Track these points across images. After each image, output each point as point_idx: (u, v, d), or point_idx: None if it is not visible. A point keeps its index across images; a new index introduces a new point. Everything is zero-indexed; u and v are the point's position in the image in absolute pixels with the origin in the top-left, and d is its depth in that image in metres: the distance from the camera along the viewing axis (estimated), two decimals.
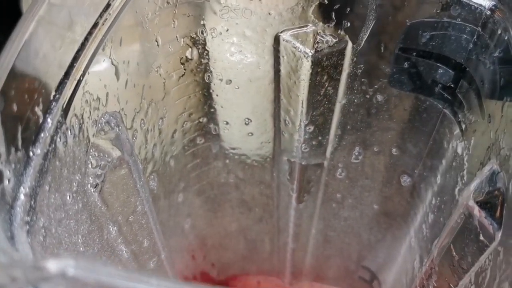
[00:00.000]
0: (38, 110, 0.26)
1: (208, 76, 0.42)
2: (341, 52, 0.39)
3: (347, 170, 0.47)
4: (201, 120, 0.45)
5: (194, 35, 0.39)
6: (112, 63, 0.33)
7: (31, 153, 0.25)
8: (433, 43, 0.37)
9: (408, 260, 0.47)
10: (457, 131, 0.38)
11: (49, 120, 0.26)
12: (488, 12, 0.34)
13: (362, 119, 0.43)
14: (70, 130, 0.28)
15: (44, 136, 0.26)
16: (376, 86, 0.40)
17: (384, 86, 0.40)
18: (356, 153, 0.45)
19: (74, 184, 0.29)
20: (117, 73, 0.33)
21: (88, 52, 0.30)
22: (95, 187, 0.31)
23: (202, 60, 0.41)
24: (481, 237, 0.30)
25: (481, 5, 0.34)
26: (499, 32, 0.33)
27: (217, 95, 0.43)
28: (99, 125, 0.32)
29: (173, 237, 0.47)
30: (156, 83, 0.39)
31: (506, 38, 0.33)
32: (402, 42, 0.38)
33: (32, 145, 0.25)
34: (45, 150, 0.26)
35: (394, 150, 0.44)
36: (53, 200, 0.26)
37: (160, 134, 0.41)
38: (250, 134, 0.45)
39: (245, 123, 0.45)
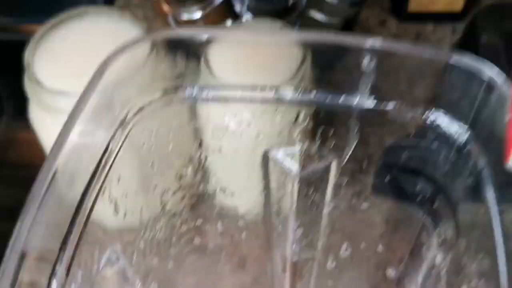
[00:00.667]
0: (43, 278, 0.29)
1: (203, 186, 0.44)
2: (327, 168, 0.41)
3: (337, 261, 0.50)
4: (197, 223, 0.47)
5: (189, 155, 0.42)
6: (110, 202, 0.35)
7: None
8: (412, 162, 0.39)
9: None
10: (435, 241, 0.40)
11: (54, 283, 0.29)
12: (463, 141, 0.36)
13: (348, 222, 0.45)
14: (74, 283, 0.31)
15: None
16: (360, 195, 0.43)
17: (368, 195, 0.43)
18: (345, 248, 0.48)
19: None
20: (116, 209, 0.36)
21: (89, 200, 0.33)
22: None
23: (197, 174, 0.43)
24: None
25: (456, 133, 0.37)
26: (471, 162, 0.36)
27: (213, 203, 0.46)
28: (101, 263, 0.34)
29: None
30: (153, 202, 0.41)
31: (478, 168, 0.35)
32: (383, 159, 0.40)
33: None
34: None
35: (379, 247, 0.46)
36: None
37: (159, 244, 0.43)
38: (245, 234, 0.48)
39: (240, 225, 0.47)
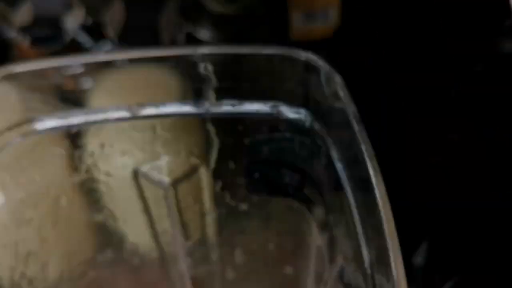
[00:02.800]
0: None
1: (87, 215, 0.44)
2: (197, 176, 0.43)
3: (235, 271, 0.50)
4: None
5: (62, 183, 0.42)
6: None
7: None
8: (273, 155, 0.41)
9: None
10: (315, 227, 0.42)
11: None
12: (308, 124, 0.39)
13: (234, 226, 0.46)
14: None
15: None
16: (237, 196, 0.44)
17: (245, 194, 0.44)
18: (239, 256, 0.48)
19: None
20: None
21: None
22: None
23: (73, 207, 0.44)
24: None
25: (301, 120, 0.39)
26: (319, 141, 0.38)
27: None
28: None
29: None
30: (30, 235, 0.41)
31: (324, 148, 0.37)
32: (247, 157, 0.42)
33: None
34: None
35: (270, 246, 0.47)
36: None
37: (47, 279, 0.43)
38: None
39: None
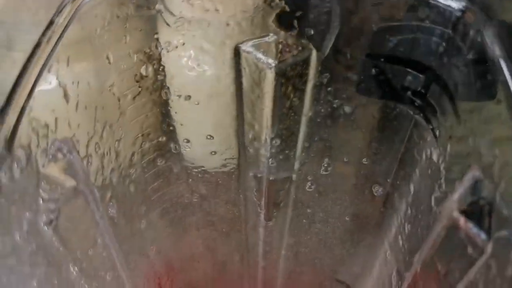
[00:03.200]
0: None
1: (166, 92, 0.39)
2: (306, 61, 0.37)
3: (317, 183, 0.45)
4: (160, 139, 0.42)
5: (148, 50, 0.37)
6: (59, 84, 0.30)
7: None
8: (401, 48, 0.35)
9: (384, 273, 0.45)
10: (430, 138, 0.36)
11: None
12: (459, 14, 0.32)
13: (330, 130, 0.41)
14: (17, 163, 0.25)
15: None
16: (343, 96, 0.39)
17: (352, 95, 0.38)
18: (325, 165, 0.43)
19: (25, 223, 0.26)
20: (66, 96, 0.31)
21: (31, 74, 0.27)
22: (49, 224, 0.28)
23: (158, 76, 0.38)
24: (469, 250, 0.28)
25: (450, 6, 0.33)
26: (471, 33, 0.32)
27: (176, 113, 0.40)
28: (49, 154, 0.28)
29: (138, 266, 0.44)
30: (110, 104, 0.36)
31: (479, 39, 0.31)
32: (368, 48, 0.36)
33: None
34: None
35: (364, 160, 0.42)
36: (3, 245, 0.23)
37: (117, 158, 0.38)
38: (213, 153, 0.43)
39: (207, 140, 0.42)
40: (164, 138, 0.42)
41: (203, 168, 0.44)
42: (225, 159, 0.44)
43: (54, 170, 0.29)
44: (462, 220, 0.29)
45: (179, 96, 0.39)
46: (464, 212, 0.29)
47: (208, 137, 0.42)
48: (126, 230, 0.41)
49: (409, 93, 0.37)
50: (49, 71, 0.29)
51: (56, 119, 0.30)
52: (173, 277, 0.53)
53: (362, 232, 0.48)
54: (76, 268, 0.31)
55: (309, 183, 0.45)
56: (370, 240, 0.48)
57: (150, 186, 0.44)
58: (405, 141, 0.39)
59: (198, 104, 0.39)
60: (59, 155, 0.29)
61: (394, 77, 0.37)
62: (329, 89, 0.39)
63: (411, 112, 0.38)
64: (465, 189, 0.30)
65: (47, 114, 0.29)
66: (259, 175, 0.44)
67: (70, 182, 0.30)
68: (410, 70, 0.36)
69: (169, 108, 0.40)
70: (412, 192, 0.39)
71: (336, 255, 0.52)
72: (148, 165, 0.42)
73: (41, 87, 0.28)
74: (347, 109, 0.39)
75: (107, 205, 0.37)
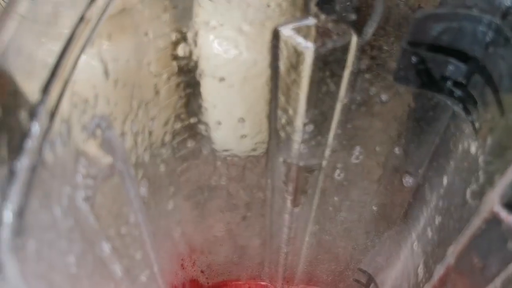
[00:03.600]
0: (23, 115, 0.23)
1: (200, 74, 0.39)
2: (345, 47, 0.36)
3: (346, 171, 0.45)
4: (191, 120, 0.42)
5: (186, 30, 0.36)
6: (101, 60, 0.29)
7: (18, 165, 0.22)
8: (445, 36, 0.35)
9: (410, 265, 0.45)
10: (468, 130, 0.36)
11: (36, 126, 0.23)
12: (509, 3, 0.32)
13: (364, 118, 0.40)
14: (59, 136, 0.25)
15: (32, 144, 0.23)
16: (380, 84, 0.38)
17: (389, 83, 0.38)
18: (357, 153, 0.43)
19: (65, 198, 0.26)
20: (106, 72, 0.30)
21: (75, 48, 0.27)
22: (87, 200, 0.28)
23: (193, 57, 0.38)
24: (510, 245, 0.28)
25: None
26: None
27: (208, 94, 0.40)
28: (89, 130, 0.28)
29: (163, 247, 0.44)
30: (146, 82, 0.36)
31: None
32: (411, 35, 0.35)
33: (18, 156, 0.22)
34: (33, 161, 0.22)
35: (396, 149, 0.41)
36: (43, 218, 0.23)
37: (150, 137, 0.38)
38: (243, 136, 0.42)
39: (239, 123, 0.42)
40: (196, 119, 0.41)
41: (232, 151, 0.44)
42: (255, 143, 0.43)
43: (92, 147, 0.28)
44: (504, 214, 0.28)
45: (213, 77, 0.39)
46: (506, 206, 0.29)
47: (240, 120, 0.41)
48: (155, 211, 0.41)
49: (449, 83, 0.36)
50: (92, 46, 0.28)
51: (96, 95, 0.29)
52: (195, 259, 0.53)
53: (388, 222, 0.48)
54: (109, 246, 0.31)
55: (338, 171, 0.44)
56: (396, 230, 0.47)
57: (180, 167, 0.44)
58: (441, 132, 0.38)
59: (232, 86, 0.39)
60: (98, 132, 0.29)
61: (435, 67, 0.36)
62: (366, 76, 0.38)
63: (450, 103, 0.37)
64: (507, 182, 0.29)
65: (88, 89, 0.29)
66: (288, 161, 0.43)
67: (108, 160, 0.30)
68: (452, 60, 0.35)
69: (202, 89, 0.39)
70: (445, 185, 0.39)
71: (360, 245, 0.52)
72: (179, 146, 0.42)
73: (83, 62, 0.28)
74: (383, 97, 0.39)
75: (139, 184, 0.37)
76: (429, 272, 0.40)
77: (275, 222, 0.50)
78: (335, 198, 0.47)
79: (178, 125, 0.41)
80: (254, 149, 0.44)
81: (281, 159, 0.44)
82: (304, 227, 0.50)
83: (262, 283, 0.60)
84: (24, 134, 0.23)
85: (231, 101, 0.40)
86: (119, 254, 0.33)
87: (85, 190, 0.28)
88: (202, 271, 0.56)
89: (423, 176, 0.42)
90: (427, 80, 0.37)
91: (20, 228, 0.21)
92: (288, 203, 0.47)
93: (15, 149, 0.22)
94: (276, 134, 0.42)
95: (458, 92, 0.36)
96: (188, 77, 0.39)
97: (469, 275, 0.32)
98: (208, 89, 0.40)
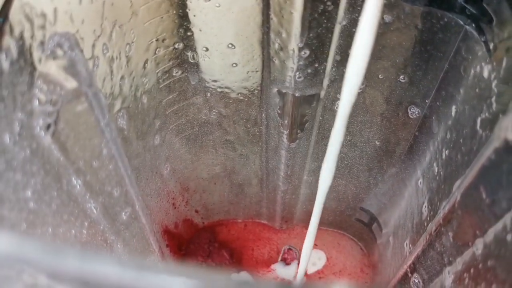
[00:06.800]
0: None
1: None
2: None
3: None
4: (176, 46, 0.38)
5: None
6: None
7: None
8: None
9: (414, 203, 0.42)
10: (482, 52, 0.32)
11: None
12: None
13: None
14: (6, 53, 0.21)
15: None
16: (384, 3, 0.34)
17: (393, 1, 0.34)
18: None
19: (17, 125, 0.22)
20: None
21: None
22: (46, 129, 0.24)
23: None
24: None
25: None
26: None
27: (194, 16, 0.36)
28: (47, 49, 0.25)
29: (150, 184, 0.41)
30: (120, 0, 0.32)
31: None
32: None
33: None
34: None
35: (401, 77, 0.38)
36: None
37: (128, 64, 0.34)
38: (234, 65, 0.39)
39: (228, 49, 0.38)
40: (181, 45, 0.38)
41: (222, 82, 0.40)
42: (247, 72, 0.40)
43: (52, 68, 0.25)
44: None
45: None
46: None
47: (230, 46, 0.38)
48: (138, 146, 0.38)
49: (460, 0, 0.32)
50: None
51: (55, 9, 0.26)
52: (188, 198, 0.50)
53: (392, 158, 0.44)
54: (79, 181, 0.28)
55: (338, 103, 0.41)
56: (400, 167, 0.44)
57: (165, 98, 0.40)
58: (450, 56, 0.35)
59: (219, 6, 0.35)
60: (59, 52, 0.26)
61: None
62: None
63: (462, 22, 0.33)
64: None
65: (44, 2, 0.25)
66: (284, 91, 0.40)
67: (71, 83, 0.26)
68: None
69: (187, 10, 0.36)
70: (453, 115, 0.35)
71: (362, 182, 0.49)
72: (163, 75, 0.39)
73: None
74: (386, 18, 0.34)
75: (116, 115, 0.33)
76: (434, 210, 0.37)
77: (271, 159, 0.47)
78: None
79: (161, 52, 0.37)
80: (246, 79, 0.40)
81: (275, 90, 0.40)
82: (302, 164, 0.47)
83: (259, 221, 0.57)
84: None
85: (219, 24, 0.37)
86: (93, 190, 0.30)
87: (44, 117, 0.25)
88: (196, 211, 0.53)
89: (430, 107, 0.38)
90: None
91: None
92: (284, 138, 0.44)
93: None
94: (269, 62, 0.38)
95: (471, 9, 0.32)
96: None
97: (476, 212, 0.29)
98: (194, 9, 0.36)
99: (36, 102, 0.24)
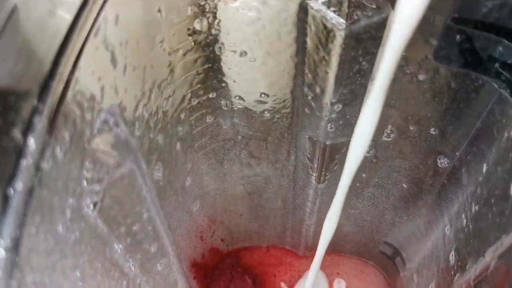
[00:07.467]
0: (16, 131, 0.20)
1: (220, 48, 0.35)
2: (381, 23, 0.32)
3: (376, 149, 0.42)
4: (210, 95, 0.38)
5: (203, 3, 0.33)
6: (106, 48, 0.26)
7: (10, 191, 0.19)
8: (496, 14, 0.30)
9: (440, 248, 0.42)
10: None
11: (31, 141, 0.20)
12: None
13: (398, 96, 0.37)
14: (60, 146, 0.22)
15: (27, 164, 0.20)
16: (418, 62, 0.34)
17: (428, 62, 0.34)
18: (388, 131, 0.40)
19: (68, 211, 0.23)
20: (113, 60, 0.27)
21: (77, 40, 0.24)
22: (93, 207, 0.25)
23: (213, 30, 0.34)
24: None
25: None
26: None
27: (229, 69, 0.37)
28: (95, 128, 0.25)
29: (181, 224, 0.42)
30: (159, 61, 0.33)
31: None
32: (456, 10, 0.31)
33: (11, 180, 0.19)
34: (29, 183, 0.20)
35: (432, 130, 0.38)
36: (43, 242, 0.21)
37: (165, 118, 0.35)
38: (266, 112, 0.39)
39: (261, 98, 0.39)
40: (215, 95, 0.38)
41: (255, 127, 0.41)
42: (279, 117, 0.40)
43: (100, 146, 0.26)
44: None
45: (234, 51, 0.35)
46: None
47: (263, 95, 0.38)
48: (171, 191, 0.39)
49: (497, 65, 0.32)
50: (95, 35, 0.25)
51: (102, 88, 0.26)
52: (215, 229, 0.51)
53: (419, 200, 0.45)
54: (120, 246, 0.29)
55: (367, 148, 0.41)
56: (427, 210, 0.45)
57: (197, 143, 0.41)
58: (483, 116, 0.35)
59: (254, 61, 0.36)
60: (106, 127, 0.26)
61: (482, 46, 0.32)
62: (403, 54, 0.34)
63: (497, 86, 0.33)
64: None
65: (93, 83, 0.25)
66: (314, 139, 0.40)
67: (116, 159, 0.27)
68: (503, 40, 0.31)
69: (222, 64, 0.36)
70: (484, 172, 0.36)
71: (387, 219, 0.49)
72: (196, 122, 0.39)
73: (87, 54, 0.24)
74: (421, 77, 0.35)
75: (153, 170, 0.34)
76: (461, 262, 0.37)
77: (298, 197, 0.48)
78: (363, 175, 0.44)
79: (195, 102, 0.38)
80: (276, 126, 0.41)
81: (306, 136, 0.41)
82: (329, 201, 0.48)
83: (285, 247, 0.58)
84: (18, 153, 0.20)
85: (253, 76, 0.37)
86: (132, 251, 0.31)
87: (91, 196, 0.25)
88: (222, 239, 0.54)
89: (460, 159, 0.39)
90: (472, 60, 0.33)
91: (14, 264, 0.19)
92: (313, 180, 0.44)
93: (8, 173, 0.19)
94: (301, 111, 0.39)
95: (507, 75, 0.32)
96: (206, 52, 0.35)
97: (508, 280, 0.29)
98: (229, 63, 0.37)
99: (85, 183, 0.25)
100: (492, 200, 0.34)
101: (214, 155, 0.43)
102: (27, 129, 0.21)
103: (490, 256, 0.32)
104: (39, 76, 0.22)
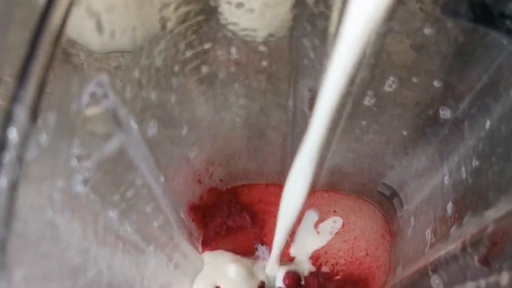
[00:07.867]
0: None
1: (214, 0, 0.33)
2: None
3: (377, 97, 0.40)
4: (205, 46, 0.37)
5: None
6: (92, 14, 0.25)
7: None
8: None
9: (438, 196, 0.42)
10: None
11: (13, 132, 0.19)
12: None
13: (401, 50, 0.35)
14: (46, 130, 0.21)
15: (10, 157, 0.19)
16: (424, 16, 0.32)
17: (435, 14, 0.32)
18: (390, 82, 0.38)
19: (58, 195, 0.23)
20: (99, 26, 0.25)
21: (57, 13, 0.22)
22: (85, 184, 0.25)
23: None
24: None
25: None
26: None
27: (226, 19, 0.35)
28: (83, 102, 0.24)
29: (177, 173, 0.42)
30: (150, 18, 0.31)
31: None
32: None
33: None
34: (12, 178, 0.19)
35: (436, 82, 0.37)
36: (32, 233, 0.20)
37: (158, 73, 0.34)
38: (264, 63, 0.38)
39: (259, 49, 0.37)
40: (210, 45, 0.37)
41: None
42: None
43: (88, 123, 0.25)
44: None
45: (230, 3, 0.33)
46: None
47: (261, 46, 0.37)
48: (167, 143, 0.38)
49: (508, 21, 0.31)
50: (78, 4, 0.23)
51: (88, 57, 0.25)
52: (213, 171, 0.51)
53: (419, 147, 0.44)
54: (115, 212, 0.29)
55: (368, 97, 0.40)
56: (426, 156, 0.44)
57: (193, 92, 0.40)
58: (489, 72, 0.34)
59: (252, 12, 0.34)
60: (94, 101, 0.25)
61: (493, 2, 0.30)
62: (408, 6, 0.32)
63: (506, 43, 0.32)
64: None
65: (79, 55, 0.24)
66: (313, 88, 0.39)
67: (106, 131, 0.26)
68: None
69: (217, 15, 0.34)
70: (487, 128, 0.35)
71: (386, 162, 0.49)
72: (192, 73, 0.38)
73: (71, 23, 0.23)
74: (426, 31, 0.33)
75: (146, 129, 0.33)
76: (458, 215, 0.37)
77: (296, 141, 0.47)
78: (363, 122, 0.43)
79: (189, 53, 0.36)
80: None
81: (305, 87, 0.39)
82: (327, 145, 0.47)
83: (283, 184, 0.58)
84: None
85: (251, 27, 0.35)
86: (127, 215, 0.31)
87: (82, 174, 0.25)
88: (220, 180, 0.54)
89: (463, 112, 0.38)
90: (482, 15, 0.31)
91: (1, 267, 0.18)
92: None
93: None
94: (301, 63, 0.37)
95: None
96: (200, 5, 0.33)
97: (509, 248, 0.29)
98: (225, 14, 0.35)
99: (74, 162, 0.24)
100: (493, 159, 0.33)
101: (211, 106, 0.42)
102: (8, 117, 0.20)
103: (488, 219, 0.32)
104: (17, 58, 0.21)
